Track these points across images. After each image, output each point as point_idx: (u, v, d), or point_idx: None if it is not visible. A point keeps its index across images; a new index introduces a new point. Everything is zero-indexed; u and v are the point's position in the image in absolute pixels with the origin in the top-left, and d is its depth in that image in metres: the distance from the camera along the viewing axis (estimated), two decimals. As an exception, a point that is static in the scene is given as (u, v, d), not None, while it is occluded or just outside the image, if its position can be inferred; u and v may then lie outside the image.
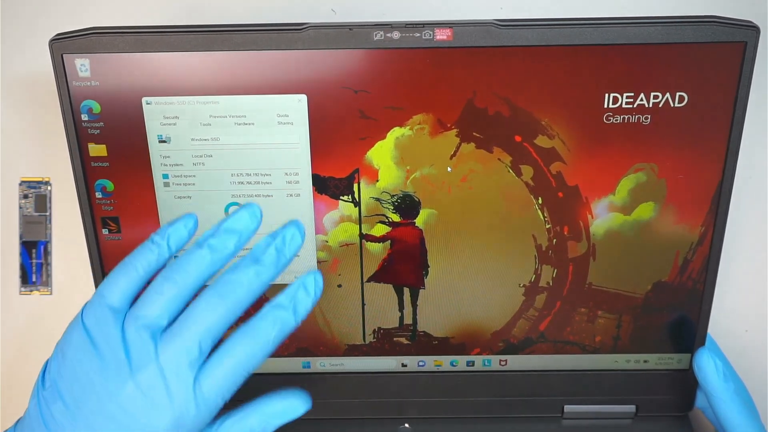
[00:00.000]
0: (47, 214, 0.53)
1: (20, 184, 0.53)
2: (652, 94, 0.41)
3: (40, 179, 0.53)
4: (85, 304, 0.35)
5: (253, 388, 0.48)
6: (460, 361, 0.49)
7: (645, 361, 0.48)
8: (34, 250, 0.54)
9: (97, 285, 0.46)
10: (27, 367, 0.55)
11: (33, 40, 0.49)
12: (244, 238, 0.35)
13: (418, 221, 0.44)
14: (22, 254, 0.54)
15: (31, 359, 0.55)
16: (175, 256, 0.35)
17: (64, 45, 0.40)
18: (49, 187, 0.53)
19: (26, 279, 0.54)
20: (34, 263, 0.54)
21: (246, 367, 0.34)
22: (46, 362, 0.35)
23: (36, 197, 0.53)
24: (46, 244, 0.54)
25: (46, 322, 0.55)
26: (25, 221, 0.54)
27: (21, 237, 0.54)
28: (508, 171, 0.43)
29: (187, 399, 0.33)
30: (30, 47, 0.50)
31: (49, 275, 0.54)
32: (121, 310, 0.34)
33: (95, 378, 0.33)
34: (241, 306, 0.34)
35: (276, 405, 0.36)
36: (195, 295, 0.34)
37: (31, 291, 0.55)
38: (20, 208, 0.53)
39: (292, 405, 0.36)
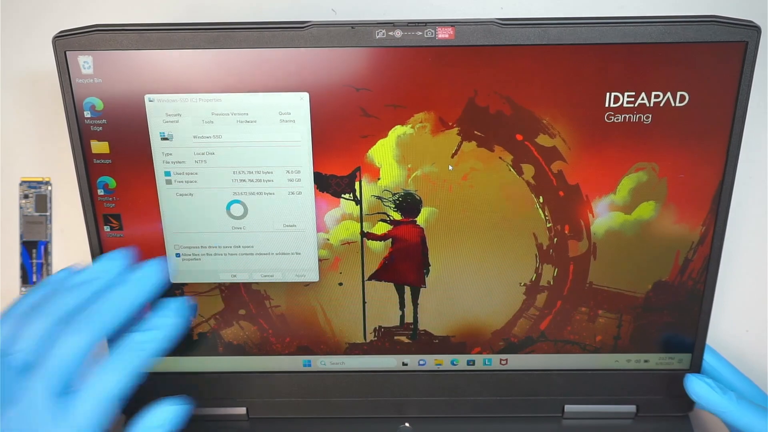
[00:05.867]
0: (47, 214, 0.53)
1: (20, 184, 0.53)
2: (653, 93, 0.41)
3: (41, 179, 0.53)
4: None
5: (256, 385, 0.49)
6: (461, 360, 0.48)
7: (645, 361, 0.48)
8: (34, 250, 0.54)
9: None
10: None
11: (33, 39, 0.50)
12: (102, 279, 0.37)
13: (420, 219, 0.44)
14: (22, 254, 0.54)
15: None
16: None
17: (67, 42, 0.40)
18: (49, 187, 0.53)
19: (26, 279, 0.54)
20: (34, 263, 0.54)
21: (112, 394, 0.35)
22: None
23: (36, 197, 0.53)
24: (47, 244, 0.54)
25: (46, 322, 0.55)
26: (26, 221, 0.53)
27: (21, 237, 0.54)
28: (510, 170, 0.43)
29: (57, 427, 0.33)
30: (30, 46, 0.50)
31: (49, 275, 0.54)
32: None
33: None
34: (95, 334, 0.35)
35: (152, 419, 0.37)
36: None
37: (31, 290, 0.55)
38: (20, 208, 0.53)
39: (167, 411, 0.37)
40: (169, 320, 0.38)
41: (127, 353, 0.36)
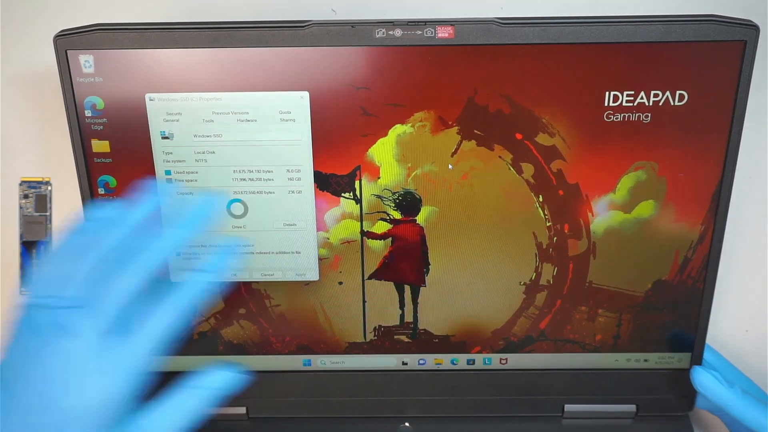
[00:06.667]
0: (47, 214, 0.53)
1: (20, 184, 0.53)
2: (653, 92, 0.41)
3: (41, 179, 0.53)
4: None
5: (256, 385, 0.49)
6: (461, 360, 0.48)
7: (645, 360, 0.48)
8: (34, 250, 0.54)
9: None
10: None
11: (34, 39, 0.50)
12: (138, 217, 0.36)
13: (419, 218, 0.45)
14: (22, 254, 0.54)
15: (30, 359, 0.55)
16: None
17: (68, 41, 0.40)
18: (49, 187, 0.53)
19: (26, 279, 0.54)
20: (34, 263, 0.54)
21: (167, 332, 0.35)
22: None
23: (36, 197, 0.53)
24: (47, 244, 0.54)
25: (46, 322, 0.55)
26: (26, 221, 0.53)
27: (21, 237, 0.54)
28: (509, 168, 0.43)
29: (111, 365, 0.33)
30: (31, 46, 0.50)
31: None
32: (37, 296, 0.34)
33: (22, 361, 0.33)
34: (144, 269, 0.34)
35: (206, 379, 0.37)
36: None
37: (31, 291, 0.54)
38: (20, 208, 0.53)
39: (222, 376, 0.37)
40: (222, 261, 0.37)
41: (185, 291, 0.35)
